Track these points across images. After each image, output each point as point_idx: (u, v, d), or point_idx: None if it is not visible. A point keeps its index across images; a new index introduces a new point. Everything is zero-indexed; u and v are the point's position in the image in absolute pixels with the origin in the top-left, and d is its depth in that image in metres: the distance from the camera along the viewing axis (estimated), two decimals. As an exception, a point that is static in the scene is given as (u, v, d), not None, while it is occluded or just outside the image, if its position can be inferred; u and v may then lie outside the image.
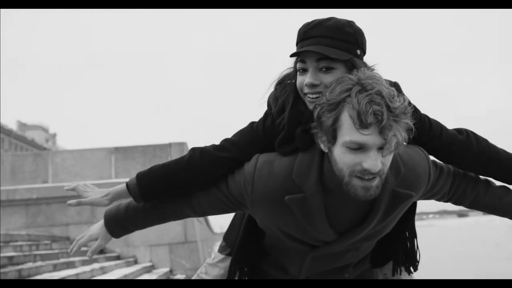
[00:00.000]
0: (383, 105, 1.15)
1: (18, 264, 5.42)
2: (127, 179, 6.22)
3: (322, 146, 1.28)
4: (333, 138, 1.21)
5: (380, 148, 1.18)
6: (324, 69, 1.33)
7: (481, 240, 19.66)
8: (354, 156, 1.18)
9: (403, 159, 1.36)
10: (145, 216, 1.54)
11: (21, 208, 9.25)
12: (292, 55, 1.39)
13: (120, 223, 1.55)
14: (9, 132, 53.75)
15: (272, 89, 1.53)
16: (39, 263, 5.75)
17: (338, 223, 1.39)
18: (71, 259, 6.90)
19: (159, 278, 7.86)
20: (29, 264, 5.54)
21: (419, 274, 1.89)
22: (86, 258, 7.20)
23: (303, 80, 1.36)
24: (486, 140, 1.57)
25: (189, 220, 8.87)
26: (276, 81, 1.51)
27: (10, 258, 5.33)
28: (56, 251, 7.02)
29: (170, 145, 9.88)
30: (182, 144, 9.95)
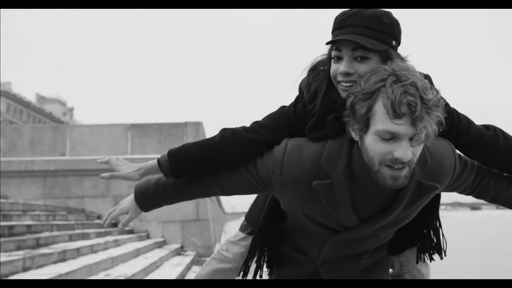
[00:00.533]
0: (417, 96, 1.16)
1: (36, 232, 5.59)
2: (142, 156, 6.44)
3: (353, 134, 1.29)
4: (365, 126, 1.22)
5: (411, 139, 1.20)
6: (359, 58, 1.34)
7: (491, 234, 19.53)
8: (386, 145, 1.21)
9: (430, 151, 1.37)
10: (174, 192, 1.57)
11: (39, 179, 9.47)
12: (328, 43, 1.39)
13: (149, 198, 1.59)
14: (27, 104, 54.48)
15: (304, 74, 1.53)
16: (55, 233, 5.92)
17: (362, 210, 1.41)
18: (86, 230, 7.09)
19: (171, 253, 8.03)
20: (46, 233, 5.71)
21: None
22: (101, 230, 7.40)
23: (337, 68, 1.37)
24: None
25: (202, 199, 9.00)
26: (309, 67, 1.52)
27: (29, 226, 5.50)
28: (72, 222, 7.20)
29: (186, 124, 9.97)
30: (198, 124, 10.03)
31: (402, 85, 1.17)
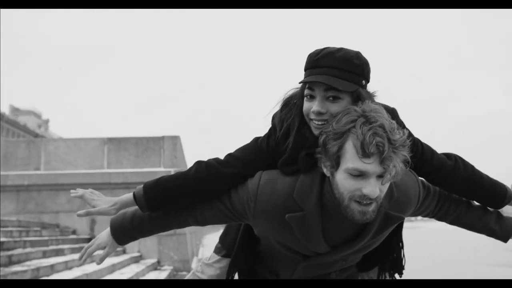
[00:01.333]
0: (384, 138, 1.25)
1: (8, 249, 5.49)
2: (119, 170, 6.41)
3: (325, 170, 1.37)
4: (336, 164, 1.30)
5: (380, 176, 1.28)
6: (331, 98, 1.41)
7: (461, 245, 19.94)
8: (355, 182, 1.28)
9: (396, 184, 1.45)
10: (150, 226, 1.61)
11: (12, 194, 9.30)
12: (301, 82, 1.46)
13: (126, 232, 1.62)
14: (1, 116, 53.43)
15: (277, 107, 1.60)
16: (28, 249, 5.82)
17: (333, 238, 1.49)
18: (60, 246, 6.98)
19: (147, 268, 7.96)
20: (19, 250, 5.61)
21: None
22: (75, 246, 7.30)
23: (310, 106, 1.44)
24: (472, 166, 1.68)
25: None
26: (283, 101, 1.58)
27: (1, 243, 5.41)
28: (46, 238, 7.08)
29: (163, 138, 9.96)
30: (175, 138, 10.03)
31: (371, 127, 1.25)
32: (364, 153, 1.24)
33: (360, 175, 1.27)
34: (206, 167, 1.56)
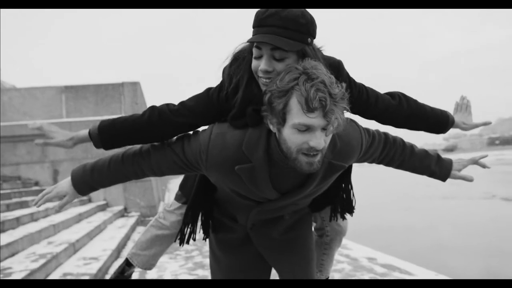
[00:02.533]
0: (326, 92, 1.31)
1: (-30, 204, 5.41)
2: (79, 118, 6.36)
3: (271, 127, 1.42)
4: (283, 120, 1.36)
5: (323, 129, 1.36)
6: (277, 57, 1.45)
7: (416, 180, 20.94)
8: (302, 136, 1.35)
9: (338, 134, 1.54)
10: (109, 178, 1.66)
11: (-32, 147, 9.02)
12: (248, 41, 1.49)
13: (86, 183, 1.66)
14: None
15: (228, 62, 1.63)
16: (-9, 203, 5.74)
17: (281, 186, 1.59)
18: (24, 198, 6.90)
19: (114, 216, 8.01)
20: (-19, 204, 5.54)
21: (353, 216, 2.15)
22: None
23: (258, 65, 1.48)
24: (415, 101, 1.81)
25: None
26: (232, 55, 1.61)
27: (-39, 198, 5.31)
28: (8, 191, 6.97)
29: (122, 84, 9.74)
30: (135, 84, 9.83)
31: (313, 83, 1.31)
32: (308, 108, 1.30)
33: (306, 129, 1.35)
34: (158, 114, 1.61)
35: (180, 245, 1.94)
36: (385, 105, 1.74)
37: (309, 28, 1.47)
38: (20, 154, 9.17)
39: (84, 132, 1.66)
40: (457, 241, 8.15)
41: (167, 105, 1.65)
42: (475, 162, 1.89)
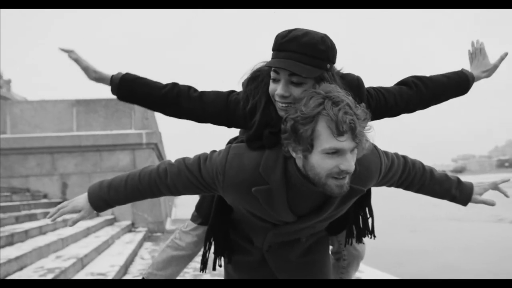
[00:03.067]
0: (353, 115, 1.31)
1: (-21, 216, 5.41)
2: (89, 132, 6.40)
3: (294, 154, 1.40)
4: (310, 146, 1.34)
5: (351, 151, 1.34)
6: (295, 82, 1.45)
7: (420, 201, 20.73)
8: (332, 160, 1.34)
9: (358, 158, 1.50)
10: (125, 194, 1.66)
11: (-22, 158, 9.07)
12: (267, 66, 1.50)
13: (103, 200, 1.66)
14: (-40, 77, 51.21)
15: (245, 77, 1.64)
16: (1, 215, 5.75)
17: (299, 209, 1.58)
18: (33, 211, 6.91)
19: (122, 230, 7.99)
20: (-9, 216, 5.54)
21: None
22: (48, 210, 7.23)
23: (275, 88, 1.49)
24: (430, 79, 1.82)
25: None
26: (250, 74, 1.62)
27: (-29, 210, 5.32)
28: (17, 203, 6.98)
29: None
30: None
31: (340, 107, 1.30)
32: (339, 132, 1.30)
33: (335, 153, 1.33)
34: (176, 94, 1.69)
35: (201, 271, 1.95)
36: (405, 99, 1.76)
37: (328, 54, 1.47)
38: (30, 166, 9.21)
39: (108, 74, 1.74)
40: (464, 263, 8.04)
41: (189, 88, 1.71)
42: (496, 186, 1.84)
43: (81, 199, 1.68)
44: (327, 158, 1.34)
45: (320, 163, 1.36)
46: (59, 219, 6.68)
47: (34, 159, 9.24)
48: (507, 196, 1.86)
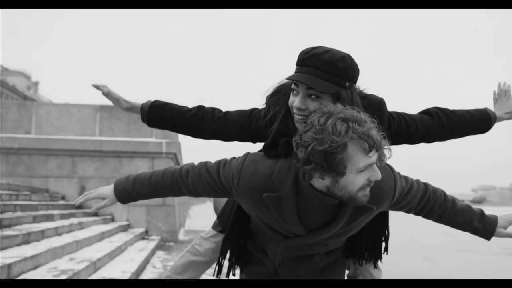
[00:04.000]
0: (373, 128, 1.37)
1: (-1, 212, 5.52)
2: (111, 138, 6.55)
3: (321, 181, 1.42)
4: (344, 169, 1.36)
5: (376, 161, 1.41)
6: (313, 96, 1.51)
7: (433, 230, 20.35)
8: (364, 175, 1.39)
9: None
10: (148, 189, 1.75)
11: (2, 156, 9.26)
12: (287, 79, 1.56)
13: (127, 192, 1.76)
14: (-10, 76, 52.51)
15: (270, 91, 1.73)
16: (19, 213, 5.84)
17: (308, 222, 1.60)
18: (50, 211, 7.01)
19: (135, 237, 8.04)
20: (9, 214, 5.63)
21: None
22: (65, 212, 7.32)
23: (293, 100, 1.56)
24: (452, 111, 1.85)
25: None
26: (275, 88, 1.71)
27: (-9, 206, 5.42)
28: (36, 202, 7.09)
29: (156, 108, 9.93)
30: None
31: (364, 126, 1.36)
32: (370, 149, 1.35)
33: (366, 168, 1.39)
34: (202, 116, 1.81)
35: (216, 276, 1.98)
36: (426, 127, 1.80)
37: (348, 73, 1.52)
38: (51, 167, 9.37)
39: (138, 104, 1.89)
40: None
41: (214, 110, 1.82)
42: None
43: (107, 189, 1.79)
44: (360, 175, 1.39)
45: (353, 181, 1.40)
46: (68, 221, 6.78)
47: (55, 161, 9.40)
48: None
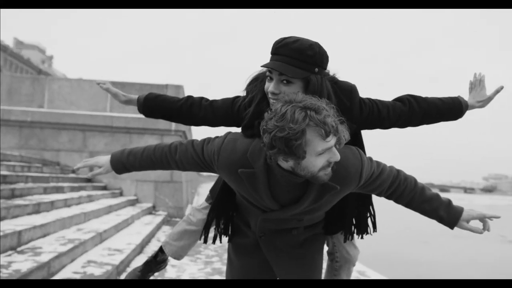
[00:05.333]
0: (331, 115, 1.49)
1: (11, 183, 5.71)
2: (121, 114, 6.76)
3: (284, 163, 1.55)
4: (304, 154, 1.49)
5: (335, 144, 1.52)
6: (285, 81, 1.66)
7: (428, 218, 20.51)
8: (323, 157, 1.52)
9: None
10: (141, 161, 1.92)
11: (15, 129, 9.49)
12: (261, 66, 1.71)
13: (121, 162, 1.93)
14: (5, 49, 52.92)
15: (250, 79, 1.88)
16: (30, 185, 6.04)
17: (280, 198, 1.74)
18: (60, 184, 7.22)
19: (142, 212, 8.24)
20: (21, 185, 5.84)
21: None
22: (75, 184, 7.52)
23: (268, 86, 1.71)
24: (425, 100, 1.95)
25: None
26: (254, 76, 1.87)
27: (4, 176, 5.61)
28: (47, 174, 7.30)
29: (167, 86, 10.03)
30: (178, 87, 10.10)
31: (321, 114, 1.46)
32: (327, 134, 1.46)
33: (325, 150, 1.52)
34: (190, 105, 1.98)
35: (204, 242, 2.16)
36: (398, 114, 1.91)
37: (316, 59, 1.66)
38: (62, 141, 9.58)
39: (134, 97, 2.09)
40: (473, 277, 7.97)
41: (201, 99, 1.99)
42: (483, 219, 1.83)
43: (104, 158, 1.96)
44: (319, 157, 1.51)
45: (313, 163, 1.52)
46: (78, 194, 6.97)
47: (67, 135, 9.60)
48: (480, 232, 1.81)
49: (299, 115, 1.45)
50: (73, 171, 2.13)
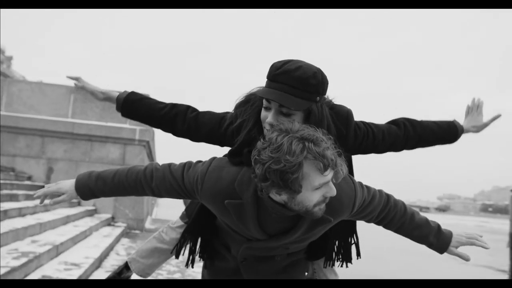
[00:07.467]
0: (330, 148, 1.38)
1: (-39, 189, 5.37)
2: (83, 121, 6.49)
3: (278, 197, 1.45)
4: (300, 188, 1.38)
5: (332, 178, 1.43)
6: (284, 113, 1.52)
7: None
8: (319, 192, 1.42)
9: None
10: (111, 187, 1.74)
11: (-32, 131, 9.02)
12: (258, 95, 1.57)
13: (89, 188, 1.73)
14: (-39, 47, 50.83)
15: (240, 99, 1.73)
16: (-18, 191, 5.71)
17: (268, 228, 1.64)
18: (15, 191, 6.87)
19: (101, 223, 7.95)
20: (-28, 191, 5.50)
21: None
22: (30, 192, 7.17)
23: (266, 116, 1.56)
24: (419, 123, 1.91)
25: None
26: (244, 97, 1.71)
27: (-46, 182, 5.28)
28: (0, 181, 6.93)
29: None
30: (144, 96, 9.90)
31: (320, 146, 1.36)
32: (325, 168, 1.36)
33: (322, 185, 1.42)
34: (174, 114, 1.82)
35: (176, 258, 2.03)
36: (393, 138, 1.85)
37: (319, 88, 1.53)
38: (19, 146, 9.17)
39: (114, 94, 1.91)
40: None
41: (187, 109, 1.83)
42: (472, 245, 1.82)
43: (67, 183, 1.75)
44: (316, 192, 1.41)
45: (309, 198, 1.42)
46: (33, 203, 6.65)
47: (24, 140, 9.20)
48: (467, 259, 1.80)
49: (297, 147, 1.34)
50: (34, 195, 1.95)
